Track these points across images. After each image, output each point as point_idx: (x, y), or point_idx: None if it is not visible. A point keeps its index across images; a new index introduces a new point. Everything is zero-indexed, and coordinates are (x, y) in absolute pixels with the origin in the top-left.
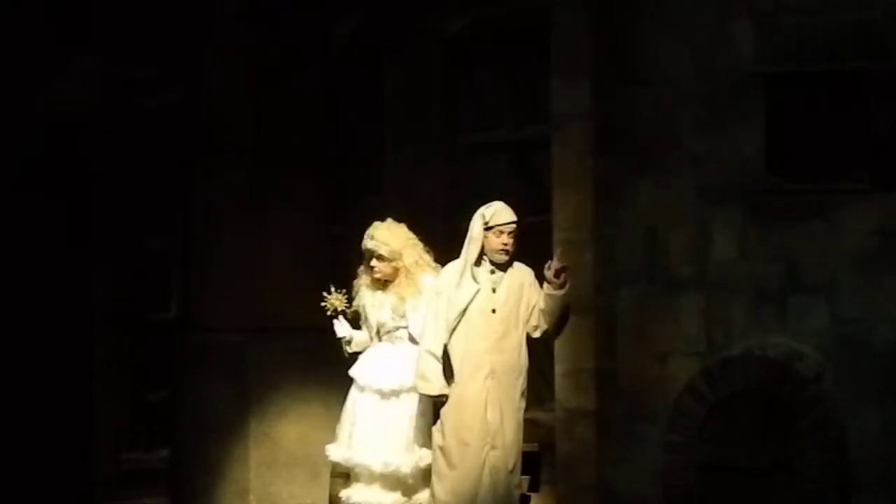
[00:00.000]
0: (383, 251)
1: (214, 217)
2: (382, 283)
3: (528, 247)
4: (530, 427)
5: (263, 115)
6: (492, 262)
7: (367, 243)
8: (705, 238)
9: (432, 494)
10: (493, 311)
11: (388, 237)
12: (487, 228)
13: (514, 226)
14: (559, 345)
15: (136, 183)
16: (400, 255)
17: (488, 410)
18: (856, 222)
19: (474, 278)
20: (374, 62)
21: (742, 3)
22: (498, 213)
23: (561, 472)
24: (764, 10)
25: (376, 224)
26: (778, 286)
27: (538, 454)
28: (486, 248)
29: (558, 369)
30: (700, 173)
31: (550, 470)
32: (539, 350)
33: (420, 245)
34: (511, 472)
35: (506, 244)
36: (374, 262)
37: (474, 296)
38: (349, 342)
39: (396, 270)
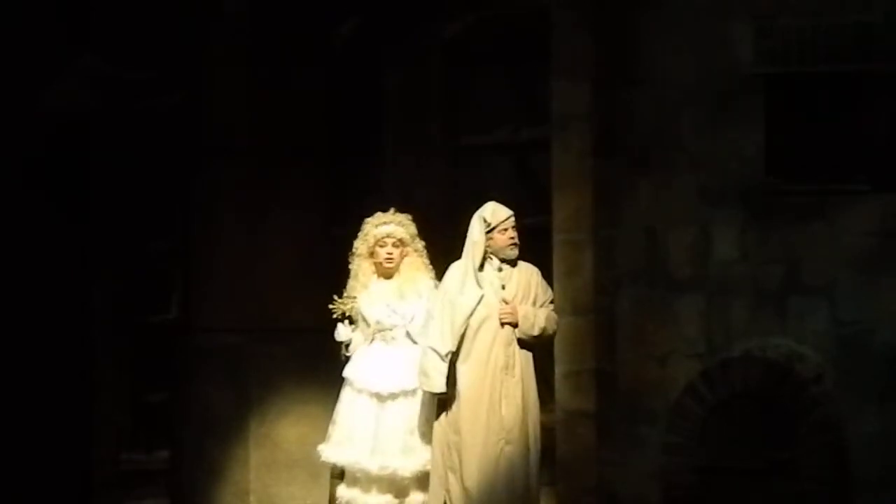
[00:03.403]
0: (402, 234)
1: (214, 217)
2: (388, 273)
3: (529, 248)
4: None
5: (263, 115)
6: (501, 260)
7: (384, 228)
8: (705, 239)
9: (447, 492)
10: (506, 301)
11: (405, 221)
12: (491, 230)
13: (513, 218)
14: (559, 346)
15: (136, 183)
16: (415, 237)
17: (503, 405)
18: (856, 223)
19: (478, 283)
20: (374, 62)
21: (742, 4)
22: (496, 211)
23: (561, 474)
24: (764, 12)
25: (380, 214)
26: (778, 287)
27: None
28: (494, 247)
29: (558, 371)
30: (700, 174)
31: (550, 471)
32: (538, 352)
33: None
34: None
35: (513, 238)
36: (391, 249)
37: (479, 302)
38: (348, 345)
39: (402, 258)
